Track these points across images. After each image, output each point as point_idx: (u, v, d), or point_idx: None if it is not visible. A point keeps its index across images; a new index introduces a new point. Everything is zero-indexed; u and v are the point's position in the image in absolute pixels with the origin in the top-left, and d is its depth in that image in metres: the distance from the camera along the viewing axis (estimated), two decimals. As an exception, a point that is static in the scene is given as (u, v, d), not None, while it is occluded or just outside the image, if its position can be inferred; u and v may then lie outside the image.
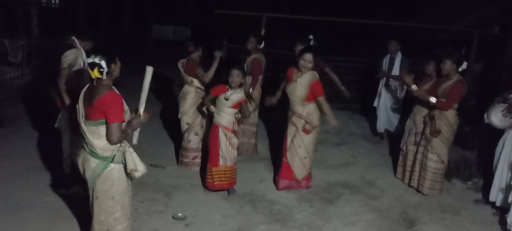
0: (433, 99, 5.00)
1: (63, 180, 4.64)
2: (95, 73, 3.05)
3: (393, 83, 6.91)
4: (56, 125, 4.71)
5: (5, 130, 6.46)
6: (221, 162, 4.75)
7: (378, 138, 7.43)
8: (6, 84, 8.03)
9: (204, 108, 5.28)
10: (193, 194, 4.92)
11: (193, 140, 5.51)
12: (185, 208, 4.58)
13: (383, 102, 7.08)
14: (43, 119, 6.65)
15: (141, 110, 3.37)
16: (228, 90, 4.67)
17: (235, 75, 4.64)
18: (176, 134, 6.89)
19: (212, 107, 4.85)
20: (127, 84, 8.38)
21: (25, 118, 7.06)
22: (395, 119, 7.06)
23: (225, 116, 4.69)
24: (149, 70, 3.32)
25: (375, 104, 7.22)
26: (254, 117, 6.07)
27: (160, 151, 6.20)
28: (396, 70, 6.80)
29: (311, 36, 5.95)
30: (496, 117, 4.79)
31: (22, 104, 7.73)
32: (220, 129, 4.70)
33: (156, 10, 19.04)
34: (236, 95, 4.68)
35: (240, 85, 4.76)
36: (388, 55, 6.95)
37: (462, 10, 11.36)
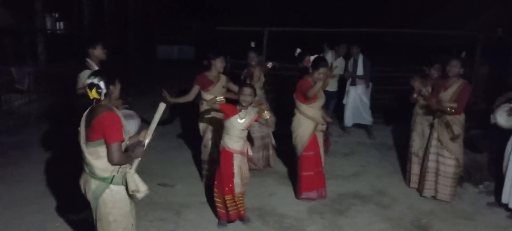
0: (451, 109, 4.92)
1: (73, 206, 4.63)
2: (93, 94, 3.09)
3: (359, 82, 7.82)
4: None
5: (15, 156, 6.51)
6: (238, 189, 4.42)
7: (346, 132, 8.18)
8: (15, 111, 8.12)
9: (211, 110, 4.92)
10: (203, 212, 4.90)
11: (203, 152, 5.56)
12: (195, 226, 4.57)
13: (352, 99, 7.91)
14: (52, 144, 6.71)
15: (146, 141, 3.37)
16: (241, 110, 4.37)
17: (248, 94, 4.34)
18: (183, 152, 6.92)
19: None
20: (134, 107, 8.44)
21: (34, 143, 7.10)
22: (366, 112, 7.94)
23: (239, 140, 4.38)
24: (162, 107, 3.35)
25: (344, 102, 8.02)
26: (266, 129, 6.08)
27: (169, 170, 6.20)
28: (359, 70, 7.77)
29: (299, 50, 5.99)
30: (502, 117, 4.77)
31: (30, 130, 7.80)
32: (234, 155, 4.38)
33: (161, 30, 19.22)
34: (250, 115, 4.40)
35: (251, 103, 4.47)
36: (352, 58, 7.82)
37: (465, 15, 11.37)
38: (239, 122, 4.34)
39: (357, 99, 7.91)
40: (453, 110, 4.94)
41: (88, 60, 4.87)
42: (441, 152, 5.16)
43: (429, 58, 6.12)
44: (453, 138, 5.05)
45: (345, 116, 8.08)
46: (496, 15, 10.42)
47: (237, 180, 4.39)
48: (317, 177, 5.19)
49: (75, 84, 4.75)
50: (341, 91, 8.03)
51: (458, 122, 5.04)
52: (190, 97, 5.39)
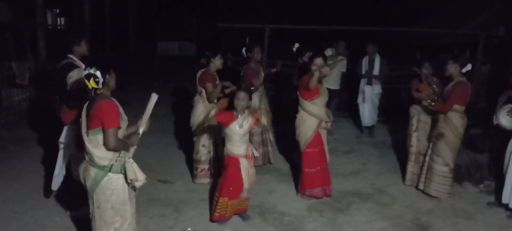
0: (430, 103, 5.01)
1: (72, 202, 4.63)
2: (91, 84, 3.19)
3: (375, 81, 7.68)
4: (60, 140, 4.70)
5: (15, 151, 6.52)
6: (245, 195, 4.47)
7: (368, 132, 8.05)
8: (15, 106, 8.11)
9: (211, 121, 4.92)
10: (203, 208, 4.89)
11: (201, 152, 5.52)
12: (195, 223, 4.57)
13: (368, 99, 7.75)
14: (52, 139, 6.70)
15: (141, 130, 3.49)
16: (238, 117, 4.34)
17: (241, 99, 4.32)
18: (184, 148, 6.92)
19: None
20: (135, 102, 8.46)
21: (34, 139, 7.11)
22: (375, 113, 7.91)
23: (241, 144, 4.37)
24: (154, 97, 3.47)
25: (358, 101, 7.85)
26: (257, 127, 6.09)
27: (169, 166, 6.21)
28: (376, 70, 7.64)
29: (297, 45, 5.98)
30: (505, 118, 4.77)
31: (30, 126, 7.80)
32: (240, 160, 4.37)
33: (162, 27, 19.22)
34: (248, 120, 4.37)
35: (247, 107, 4.44)
36: (367, 56, 7.69)
37: (466, 13, 11.32)
38: (238, 129, 4.33)
39: (370, 100, 7.78)
40: (432, 104, 5.00)
41: (72, 57, 4.60)
42: (434, 149, 5.21)
43: (418, 58, 6.17)
44: (435, 135, 5.08)
45: (363, 115, 7.90)
46: (498, 14, 10.38)
47: (246, 185, 4.42)
48: (322, 174, 5.18)
49: (62, 85, 4.50)
50: (354, 90, 7.98)
51: (449, 122, 5.04)
52: (215, 95, 5.33)
